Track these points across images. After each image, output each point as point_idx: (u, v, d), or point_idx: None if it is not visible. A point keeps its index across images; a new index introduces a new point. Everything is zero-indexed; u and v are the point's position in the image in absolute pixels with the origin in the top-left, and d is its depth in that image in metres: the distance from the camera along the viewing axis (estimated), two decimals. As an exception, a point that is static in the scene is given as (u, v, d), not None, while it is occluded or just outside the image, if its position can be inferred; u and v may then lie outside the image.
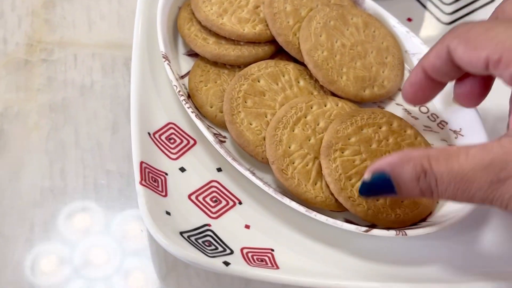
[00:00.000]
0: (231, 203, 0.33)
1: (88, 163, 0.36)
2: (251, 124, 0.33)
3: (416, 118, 0.37)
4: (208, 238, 0.31)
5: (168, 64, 0.35)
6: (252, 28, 0.37)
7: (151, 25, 0.37)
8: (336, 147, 0.32)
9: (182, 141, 0.35)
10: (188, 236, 0.30)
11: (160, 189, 0.32)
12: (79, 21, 0.42)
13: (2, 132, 0.36)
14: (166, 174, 0.33)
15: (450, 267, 0.32)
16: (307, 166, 0.33)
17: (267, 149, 0.33)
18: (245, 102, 0.34)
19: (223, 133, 0.35)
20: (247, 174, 0.32)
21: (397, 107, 0.38)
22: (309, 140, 0.33)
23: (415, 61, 0.39)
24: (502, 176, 0.25)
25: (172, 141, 0.35)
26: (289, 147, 0.33)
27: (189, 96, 0.36)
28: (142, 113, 0.34)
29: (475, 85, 0.31)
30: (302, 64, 0.37)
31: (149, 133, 0.34)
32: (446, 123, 0.37)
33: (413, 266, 0.32)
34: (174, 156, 0.34)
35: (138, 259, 0.33)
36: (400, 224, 0.32)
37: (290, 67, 0.36)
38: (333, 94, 0.36)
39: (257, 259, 0.31)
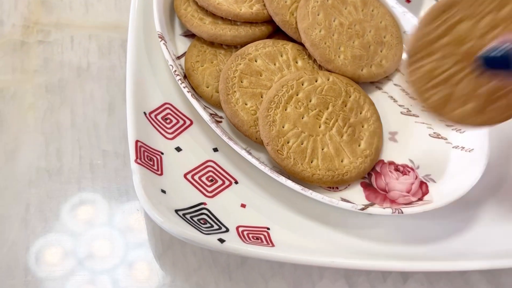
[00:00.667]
0: (227, 183, 0.33)
1: (84, 144, 0.36)
2: (246, 104, 0.33)
3: (415, 98, 0.37)
4: (203, 216, 0.31)
5: (164, 44, 0.35)
6: (249, 8, 0.37)
7: (148, 6, 0.37)
8: (421, 53, 0.27)
9: (178, 121, 0.35)
10: (183, 214, 0.30)
11: (155, 167, 0.32)
12: (76, 3, 0.41)
13: (-1, 113, 0.36)
14: (162, 153, 0.33)
15: (445, 246, 0.32)
16: (302, 144, 0.33)
17: (261, 130, 0.32)
18: (241, 81, 0.34)
19: (220, 113, 0.35)
20: (243, 153, 0.32)
21: (395, 87, 0.37)
22: (302, 118, 0.33)
23: (413, 41, 0.38)
24: None
25: (168, 121, 0.35)
26: (283, 127, 0.32)
27: (185, 76, 0.36)
28: (137, 93, 0.34)
29: None
30: (300, 44, 0.36)
31: (144, 113, 0.34)
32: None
33: (408, 245, 0.32)
34: (170, 136, 0.34)
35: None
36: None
37: (289, 46, 0.36)
38: (330, 74, 0.36)
39: (252, 237, 0.31)
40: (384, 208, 0.31)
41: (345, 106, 0.34)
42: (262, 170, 0.32)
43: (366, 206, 0.31)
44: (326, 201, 0.31)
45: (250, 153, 0.32)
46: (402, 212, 0.31)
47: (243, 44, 0.36)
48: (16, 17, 0.40)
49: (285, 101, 0.33)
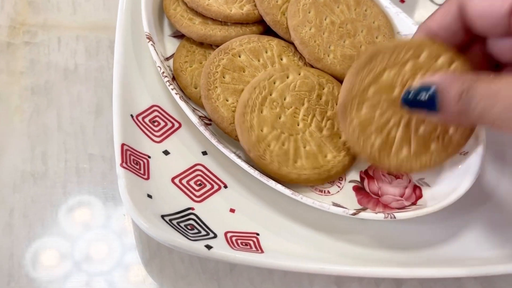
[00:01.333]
0: (216, 187, 0.32)
1: (70, 147, 0.35)
2: (227, 100, 0.32)
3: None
4: (191, 221, 0.30)
5: (152, 45, 0.34)
6: (239, 9, 0.36)
7: (136, 6, 0.36)
8: (352, 106, 0.30)
9: (166, 124, 0.34)
10: (170, 220, 0.29)
11: (142, 172, 0.31)
12: (64, 4, 0.41)
13: (-17, 116, 0.36)
14: (149, 157, 0.32)
15: (438, 252, 0.31)
16: (283, 146, 0.32)
17: (240, 137, 0.32)
18: (223, 77, 0.33)
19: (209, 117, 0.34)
20: (232, 156, 0.31)
21: (388, 89, 0.37)
22: (280, 118, 0.32)
23: (407, 42, 0.37)
24: None
25: (156, 123, 0.34)
26: (262, 131, 0.32)
27: (173, 78, 0.35)
28: (124, 95, 0.33)
29: None
30: (291, 43, 0.36)
31: (132, 116, 0.33)
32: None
33: (400, 251, 0.31)
34: (157, 139, 0.33)
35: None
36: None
37: (274, 43, 0.35)
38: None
39: (241, 243, 0.30)
40: (376, 213, 0.30)
41: (320, 99, 0.33)
42: (251, 174, 0.31)
43: (358, 211, 0.30)
44: (317, 205, 0.30)
45: (239, 157, 0.32)
46: (395, 217, 0.30)
47: (233, 45, 0.35)
48: (2, 18, 0.39)
49: (259, 104, 0.32)
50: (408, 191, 0.33)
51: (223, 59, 0.34)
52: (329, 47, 0.35)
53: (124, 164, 0.30)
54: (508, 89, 0.24)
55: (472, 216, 0.33)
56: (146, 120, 0.34)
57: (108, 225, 0.33)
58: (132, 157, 0.31)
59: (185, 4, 0.36)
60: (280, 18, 0.36)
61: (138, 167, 0.31)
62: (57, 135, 0.35)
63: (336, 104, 0.34)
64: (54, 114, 0.36)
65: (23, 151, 0.34)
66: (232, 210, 0.32)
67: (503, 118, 0.24)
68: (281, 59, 0.35)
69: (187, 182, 0.32)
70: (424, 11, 0.41)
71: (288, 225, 0.32)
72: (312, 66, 0.35)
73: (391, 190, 0.33)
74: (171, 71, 0.36)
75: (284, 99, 0.33)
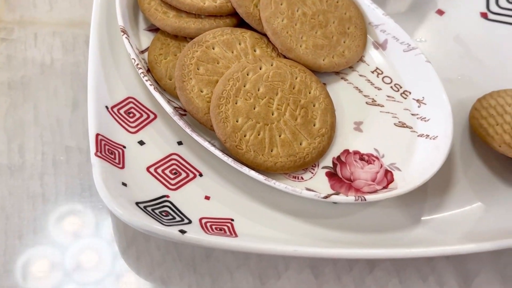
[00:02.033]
0: (191, 175, 0.33)
1: (47, 140, 0.35)
2: (201, 91, 0.33)
3: (380, 89, 0.37)
4: (165, 208, 0.31)
5: (126, 37, 0.35)
6: (212, 2, 0.36)
7: (111, 1, 0.37)
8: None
9: (141, 115, 0.35)
10: (145, 207, 0.30)
11: (116, 161, 0.31)
12: (40, 1, 0.41)
13: (-40, 111, 0.36)
14: (124, 147, 0.33)
15: (410, 233, 0.32)
16: (259, 135, 0.32)
17: (215, 128, 0.32)
18: (197, 69, 0.34)
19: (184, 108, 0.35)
20: (206, 145, 0.32)
21: (360, 78, 0.37)
22: (254, 109, 0.33)
23: (379, 32, 0.38)
24: None
25: (131, 115, 0.34)
26: (237, 121, 0.32)
27: (148, 70, 0.36)
28: (99, 87, 0.34)
29: None
30: (264, 35, 0.36)
31: (106, 107, 0.33)
32: (410, 92, 0.37)
33: (373, 233, 0.32)
34: (133, 130, 0.34)
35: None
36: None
37: (247, 35, 0.35)
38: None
39: (215, 228, 0.30)
40: (347, 196, 0.31)
41: (293, 88, 0.34)
42: (226, 162, 0.32)
43: (330, 195, 0.31)
44: (289, 190, 0.31)
45: (214, 145, 0.32)
46: (365, 199, 0.30)
47: (207, 37, 0.36)
48: (-22, 15, 0.40)
49: (233, 95, 0.32)
50: (379, 175, 0.33)
51: (197, 51, 0.34)
52: (301, 38, 0.36)
53: (98, 153, 0.31)
54: None
55: (443, 198, 0.34)
56: (121, 111, 0.34)
57: (86, 213, 0.33)
58: (107, 147, 0.31)
59: (159, -2, 0.37)
60: (252, 10, 0.36)
61: (113, 156, 0.31)
62: (34, 128, 0.36)
63: (309, 93, 0.34)
64: (31, 108, 0.36)
65: (0, 144, 0.35)
66: (207, 198, 0.32)
67: None
68: (255, 51, 0.36)
69: (162, 171, 0.33)
70: (395, 2, 0.42)
71: (263, 210, 0.32)
72: (285, 57, 0.36)
73: (363, 175, 0.33)
74: (146, 63, 0.36)
75: (258, 90, 0.33)
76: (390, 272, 0.32)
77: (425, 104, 0.36)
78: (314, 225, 0.32)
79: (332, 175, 0.34)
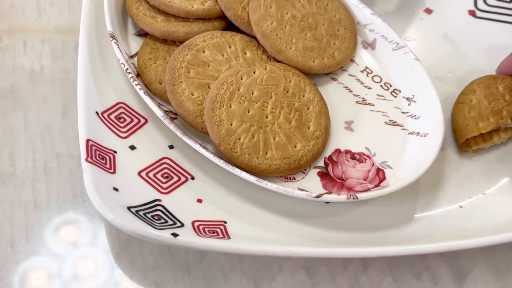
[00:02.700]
0: (183, 179, 0.33)
1: (38, 147, 0.35)
2: (192, 94, 0.33)
3: (370, 88, 0.37)
4: (157, 212, 0.31)
5: (115, 43, 0.35)
6: (201, 5, 0.36)
7: (100, 6, 0.37)
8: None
9: (132, 120, 0.35)
10: (137, 211, 0.30)
11: (107, 166, 0.31)
12: (28, 8, 0.41)
13: (-51, 121, 0.36)
14: (115, 152, 0.33)
15: (403, 231, 0.32)
16: (253, 138, 0.32)
17: (210, 132, 0.32)
18: (188, 72, 0.34)
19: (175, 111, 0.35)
20: (197, 147, 0.32)
21: (350, 78, 0.38)
22: (248, 112, 0.33)
23: (367, 32, 0.39)
24: None
25: (121, 120, 0.34)
26: (231, 125, 0.32)
27: (138, 75, 0.36)
28: (89, 93, 0.34)
29: None
30: (253, 37, 0.36)
31: (97, 112, 0.33)
32: (400, 91, 0.37)
33: (365, 232, 0.32)
34: (123, 135, 0.34)
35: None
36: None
37: (237, 38, 0.36)
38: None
39: (208, 231, 0.30)
40: (339, 195, 0.31)
41: (287, 92, 0.34)
42: (218, 165, 0.32)
43: (321, 194, 0.31)
44: (281, 191, 0.31)
45: (205, 148, 0.32)
46: (357, 198, 0.30)
47: (196, 40, 0.36)
48: (-34, 24, 0.39)
49: (227, 99, 0.32)
50: (371, 174, 0.34)
51: (187, 55, 0.34)
52: (291, 40, 0.36)
53: (89, 159, 0.30)
54: None
55: (436, 195, 0.34)
56: (112, 116, 0.34)
57: (78, 220, 0.33)
58: (97, 152, 0.31)
59: (147, 2, 0.37)
60: (241, 13, 0.36)
61: (103, 161, 0.31)
62: (24, 136, 0.35)
63: (303, 96, 0.34)
64: (21, 115, 0.36)
65: (-10, 153, 0.35)
66: (199, 200, 0.32)
67: None
68: (245, 53, 0.36)
69: (154, 175, 0.33)
70: (383, 2, 0.42)
71: (255, 212, 0.32)
72: (275, 59, 0.36)
73: (354, 174, 0.33)
74: (136, 68, 0.36)
75: (252, 93, 0.33)
76: (384, 270, 0.32)
77: (415, 102, 0.36)
78: (308, 225, 0.32)
79: (324, 175, 0.34)
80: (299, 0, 0.38)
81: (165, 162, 0.33)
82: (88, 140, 0.31)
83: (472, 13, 0.42)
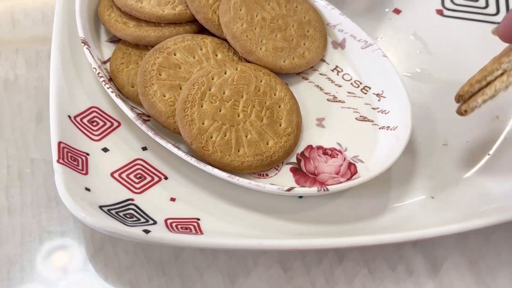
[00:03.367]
0: (156, 179, 0.33)
1: (12, 154, 0.35)
2: (164, 96, 0.33)
3: (340, 86, 0.38)
4: (130, 211, 0.31)
5: (87, 48, 0.35)
6: (171, 9, 0.37)
7: (72, 14, 0.37)
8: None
9: (105, 124, 0.35)
10: (108, 210, 0.30)
11: (80, 167, 0.31)
12: (2, 20, 0.41)
13: None
14: (88, 154, 0.33)
15: (376, 223, 0.32)
16: (225, 136, 0.33)
17: (182, 131, 0.33)
18: (159, 74, 0.34)
19: (148, 113, 0.35)
20: (169, 146, 0.32)
21: (321, 76, 0.38)
22: (220, 111, 0.33)
23: (337, 32, 0.39)
24: None
25: (94, 123, 0.35)
26: (203, 124, 0.33)
27: (111, 79, 0.36)
28: (61, 97, 0.34)
29: None
30: (224, 40, 0.37)
31: (69, 116, 0.34)
32: (370, 87, 0.37)
33: (338, 225, 0.32)
34: (96, 138, 0.34)
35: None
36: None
37: (208, 40, 0.36)
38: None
39: (181, 227, 0.30)
40: (310, 188, 0.31)
41: (259, 91, 0.34)
42: (190, 163, 0.32)
43: (292, 187, 0.31)
44: (253, 185, 0.31)
45: (178, 148, 0.32)
46: (328, 190, 0.31)
47: (168, 45, 0.36)
48: None
49: (199, 99, 0.33)
50: (343, 168, 0.34)
51: (158, 57, 0.35)
52: (261, 41, 0.37)
53: (60, 160, 0.31)
54: None
55: (407, 186, 0.34)
56: (85, 120, 0.34)
57: (51, 223, 0.33)
58: (69, 154, 0.32)
59: (119, 9, 0.38)
60: (211, 16, 0.37)
61: (76, 163, 0.31)
62: (-2, 143, 0.36)
63: (274, 95, 0.35)
64: (-5, 124, 0.36)
65: (-36, 161, 0.35)
66: (172, 199, 0.32)
67: None
68: (216, 55, 0.36)
69: (127, 175, 0.33)
70: (352, 3, 0.43)
71: (229, 209, 0.32)
72: (246, 60, 0.36)
73: (327, 169, 0.34)
74: (108, 73, 0.36)
75: (223, 93, 0.34)
76: (359, 262, 0.32)
77: (384, 97, 0.36)
78: (282, 220, 0.32)
79: (296, 171, 0.34)
80: (269, 2, 0.38)
81: (138, 163, 0.34)
82: (60, 143, 0.32)
83: (440, 12, 0.43)
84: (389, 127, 0.35)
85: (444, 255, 0.33)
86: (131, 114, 0.33)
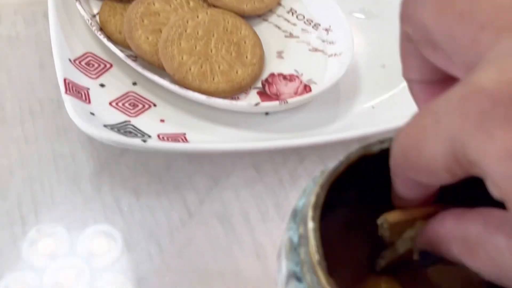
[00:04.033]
0: (147, 106, 0.40)
1: (22, 96, 0.42)
2: (148, 38, 0.40)
3: (295, 24, 0.45)
4: (128, 129, 0.38)
5: (79, 4, 0.42)
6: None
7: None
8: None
9: (99, 65, 0.42)
10: (111, 128, 0.37)
11: (83, 98, 0.38)
12: (-1, -14, 0.47)
13: None
14: (88, 88, 0.39)
15: (328, 128, 0.40)
16: (201, 68, 0.40)
17: (165, 65, 0.39)
18: (142, 21, 0.41)
19: (134, 54, 0.42)
20: (156, 78, 0.39)
21: (278, 18, 0.45)
22: (196, 48, 0.40)
23: (290, -19, 0.46)
24: None
25: (91, 65, 0.41)
26: (182, 58, 0.40)
27: (101, 29, 0.43)
28: (61, 45, 0.40)
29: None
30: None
31: (70, 59, 0.40)
32: (319, 24, 0.45)
33: (299, 132, 0.40)
34: (94, 76, 0.41)
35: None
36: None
37: (181, -10, 0.43)
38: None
39: (171, 139, 0.38)
40: (272, 102, 0.38)
41: (227, 30, 0.41)
42: (174, 91, 0.39)
43: (259, 103, 0.38)
44: (227, 104, 0.38)
45: (163, 79, 0.39)
46: (287, 102, 0.38)
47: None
48: None
49: (177, 38, 0.40)
50: (300, 89, 0.41)
51: (140, 7, 0.41)
52: (226, -10, 0.44)
53: (68, 92, 0.37)
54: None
55: (354, 99, 0.42)
56: (83, 63, 0.41)
57: (63, 151, 0.40)
58: (74, 88, 0.38)
59: (103, -30, 0.44)
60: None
61: (80, 95, 0.38)
62: (9, 88, 0.42)
63: (240, 33, 0.42)
64: (3, 74, 0.43)
65: (-18, 105, 0.41)
66: (162, 121, 0.39)
67: None
68: (189, 3, 0.43)
69: (123, 104, 0.40)
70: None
71: (209, 126, 0.39)
72: (214, 6, 0.43)
73: (286, 90, 0.41)
74: (98, 24, 0.43)
75: (197, 33, 0.41)
76: (316, 162, 0.40)
77: (331, 31, 0.44)
78: (253, 132, 0.39)
79: (262, 94, 0.41)
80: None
81: (130, 94, 0.40)
82: (65, 79, 0.38)
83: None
84: (335, 54, 0.42)
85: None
86: (121, 55, 0.40)
